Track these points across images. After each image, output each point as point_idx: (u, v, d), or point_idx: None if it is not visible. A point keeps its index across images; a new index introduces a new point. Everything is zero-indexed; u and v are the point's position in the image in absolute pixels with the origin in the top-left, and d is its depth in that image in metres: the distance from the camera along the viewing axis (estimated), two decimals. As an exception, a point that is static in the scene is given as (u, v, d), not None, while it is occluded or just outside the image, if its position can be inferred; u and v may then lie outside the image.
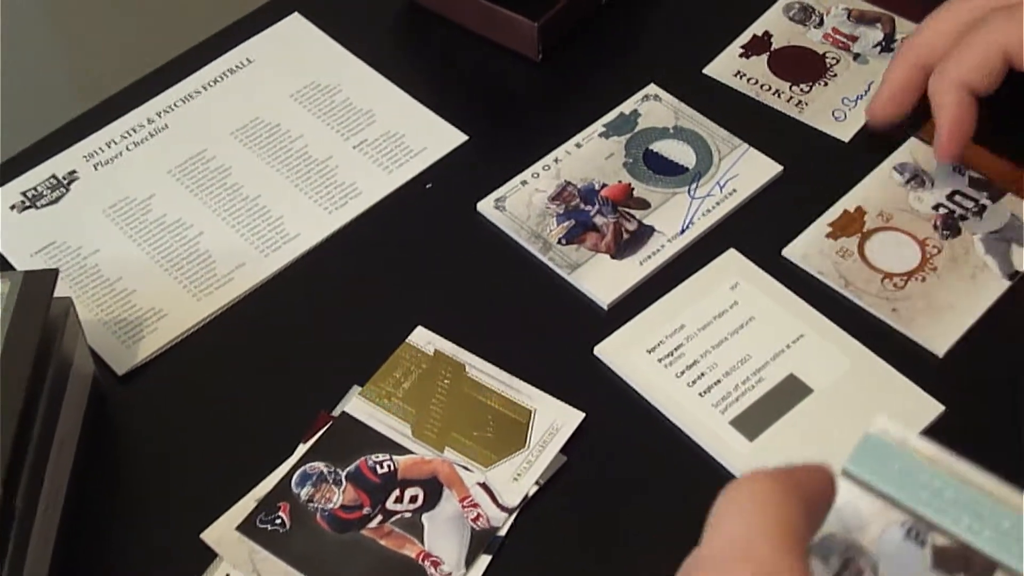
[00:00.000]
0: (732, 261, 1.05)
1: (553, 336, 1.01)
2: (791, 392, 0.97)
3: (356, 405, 0.96)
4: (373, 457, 0.93)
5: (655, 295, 1.03)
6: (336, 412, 0.96)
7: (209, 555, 0.91)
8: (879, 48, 1.21)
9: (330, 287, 1.05)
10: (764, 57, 1.21)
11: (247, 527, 0.91)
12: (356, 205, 1.09)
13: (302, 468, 0.93)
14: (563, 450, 0.94)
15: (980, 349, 0.99)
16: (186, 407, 0.98)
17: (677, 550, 0.92)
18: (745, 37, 1.23)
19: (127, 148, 1.15)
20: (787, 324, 1.01)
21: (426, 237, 1.08)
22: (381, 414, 0.95)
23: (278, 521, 0.91)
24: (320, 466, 0.93)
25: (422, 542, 0.90)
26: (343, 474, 0.93)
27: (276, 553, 0.90)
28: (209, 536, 0.91)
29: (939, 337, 1.00)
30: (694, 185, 1.10)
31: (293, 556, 0.89)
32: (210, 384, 1.00)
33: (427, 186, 1.11)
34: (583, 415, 0.95)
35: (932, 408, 0.96)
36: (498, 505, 0.91)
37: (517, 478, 0.92)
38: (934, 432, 0.95)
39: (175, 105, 1.18)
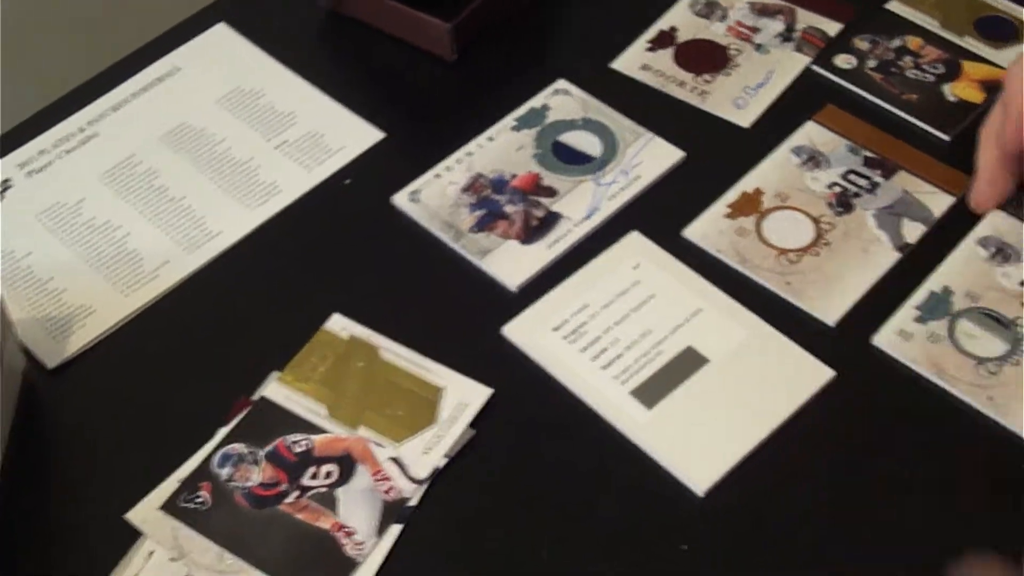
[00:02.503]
0: (635, 243, 1.10)
1: (464, 319, 1.06)
2: (689, 363, 1.02)
3: (274, 389, 1.01)
4: (290, 437, 0.98)
5: (561, 277, 1.08)
6: (256, 397, 1.01)
7: (135, 534, 0.95)
8: (780, 38, 1.27)
9: (251, 280, 1.10)
10: (670, 51, 1.27)
11: (170, 506, 0.95)
12: (277, 202, 1.14)
13: (223, 450, 0.98)
14: (472, 424, 0.98)
15: (870, 317, 1.04)
16: (113, 397, 1.03)
17: (581, 515, 0.97)
18: (652, 32, 1.28)
19: (59, 156, 1.20)
20: (686, 300, 1.06)
21: (344, 230, 1.13)
22: (298, 397, 1.00)
23: (200, 500, 0.96)
24: (240, 447, 0.98)
25: (336, 514, 0.94)
26: (262, 454, 0.97)
27: (198, 530, 0.94)
28: (134, 516, 0.96)
29: (830, 307, 1.05)
30: (600, 173, 1.15)
31: (214, 532, 0.94)
32: (136, 375, 1.04)
33: (346, 182, 1.16)
34: (491, 391, 1.00)
35: (823, 374, 1.01)
36: (409, 478, 0.96)
37: (427, 452, 0.97)
38: (825, 395, 1.00)
39: (105, 113, 1.23)
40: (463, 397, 0.99)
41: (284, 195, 1.14)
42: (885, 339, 1.03)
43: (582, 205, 1.12)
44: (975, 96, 1.20)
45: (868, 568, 0.91)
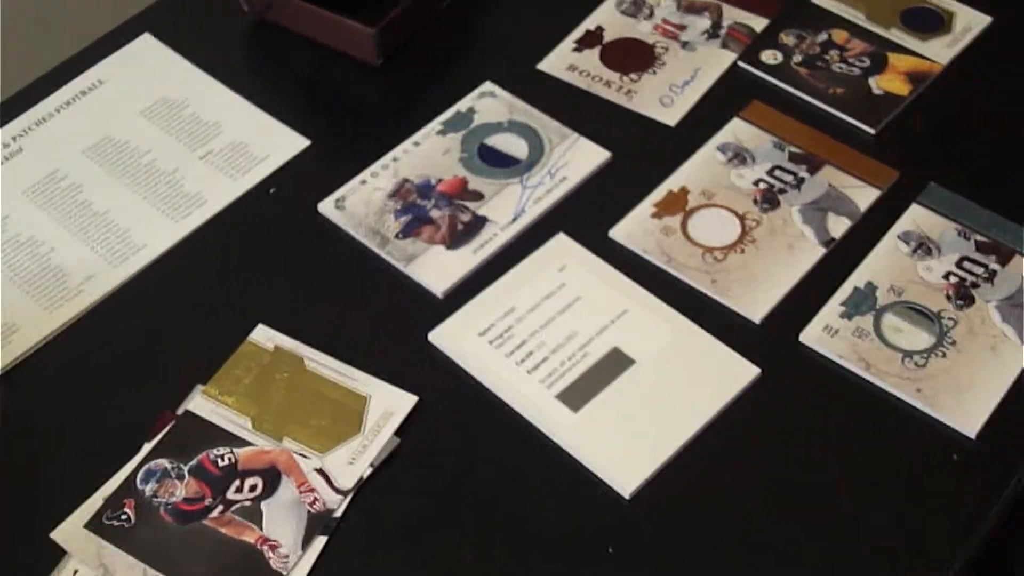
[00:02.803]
0: (561, 245, 1.10)
1: (390, 326, 1.06)
2: (614, 364, 1.02)
3: (199, 403, 1.00)
4: (215, 451, 0.98)
5: (487, 281, 1.08)
6: (180, 411, 1.00)
7: (61, 553, 0.94)
8: (706, 36, 1.27)
9: (176, 293, 1.09)
10: (596, 50, 1.26)
11: (94, 524, 0.95)
12: (201, 213, 1.13)
13: (146, 465, 0.97)
14: (398, 433, 0.98)
15: (796, 314, 1.04)
16: (38, 415, 1.02)
17: (507, 521, 0.97)
18: (578, 32, 1.28)
19: (-18, 173, 1.18)
20: (612, 301, 1.06)
21: (269, 240, 1.12)
22: (223, 410, 1.00)
23: (124, 517, 0.95)
24: (164, 462, 0.97)
25: (261, 528, 0.94)
26: (186, 469, 0.97)
27: (122, 547, 0.94)
28: (59, 535, 0.95)
29: (756, 305, 1.05)
30: (526, 175, 1.15)
31: (138, 549, 0.94)
32: (61, 391, 1.04)
33: (271, 191, 1.16)
34: (416, 399, 1.00)
35: (748, 372, 1.01)
36: (334, 488, 0.95)
37: (352, 462, 0.97)
38: (752, 393, 0.99)
39: (29, 129, 1.22)
40: (389, 405, 0.99)
41: (209, 205, 1.13)
42: (811, 335, 1.03)
43: (508, 208, 1.12)
44: (901, 88, 1.20)
45: (796, 566, 0.90)
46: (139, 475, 0.97)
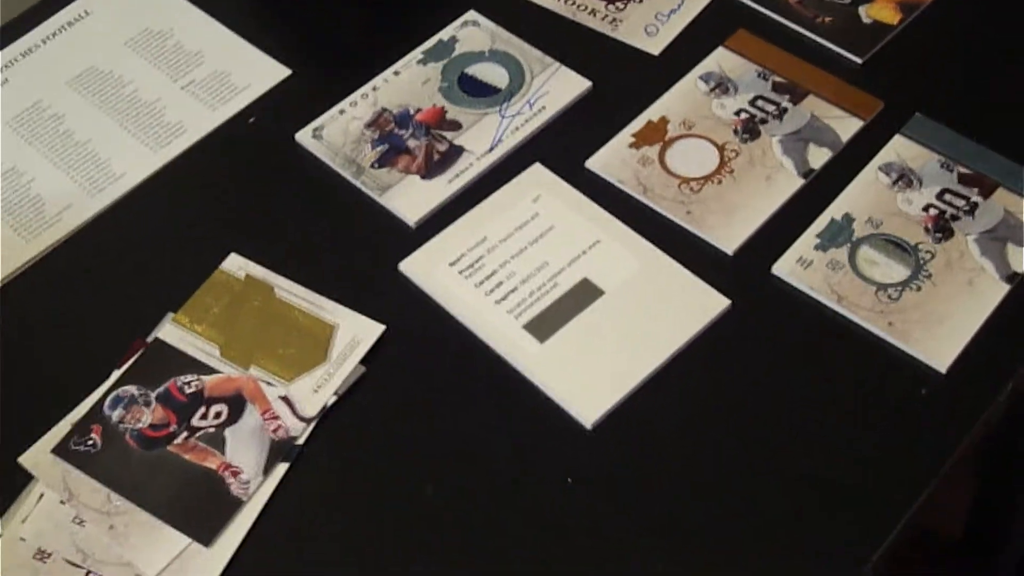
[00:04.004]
0: (536, 175, 1.09)
1: (362, 256, 1.05)
2: (583, 295, 1.01)
3: (169, 331, 1.01)
4: (182, 378, 0.98)
5: (461, 212, 1.07)
6: (151, 338, 1.00)
7: (28, 478, 0.95)
8: (696, -37, 1.24)
9: (152, 222, 1.09)
10: (583, -22, 1.24)
11: (61, 449, 0.95)
12: (180, 143, 1.14)
13: (115, 392, 0.98)
14: (365, 362, 0.98)
15: (770, 246, 1.03)
16: (11, 342, 1.03)
17: (468, 452, 0.97)
18: (566, -40, 1.26)
19: (-33, 104, 1.19)
20: (584, 231, 1.05)
21: (247, 170, 1.12)
22: (192, 338, 1.00)
23: (90, 443, 0.96)
24: (132, 389, 0.98)
25: (224, 454, 0.94)
26: (153, 395, 0.97)
27: (88, 472, 0.95)
28: (26, 460, 0.96)
29: (730, 236, 1.04)
30: (505, 105, 1.14)
31: (104, 474, 0.94)
32: (35, 319, 1.05)
33: (250, 120, 1.15)
34: (383, 328, 1.00)
35: (718, 303, 1.00)
36: (297, 416, 0.96)
37: (317, 390, 0.97)
38: (721, 325, 0.99)
39: (15, 60, 1.22)
40: (356, 334, 0.99)
41: (188, 135, 1.14)
42: (784, 267, 1.02)
43: (486, 138, 1.11)
44: (891, 17, 1.19)
45: (760, 499, 0.90)
46: (107, 401, 0.97)
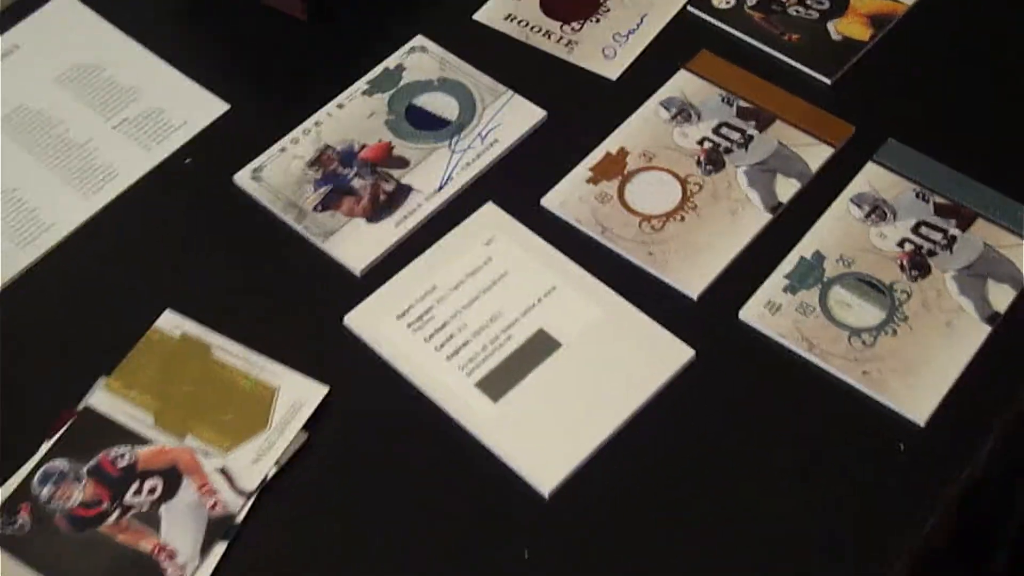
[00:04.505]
0: (489, 215, 1.03)
1: (304, 309, 0.99)
2: (539, 348, 0.95)
3: (100, 398, 0.95)
4: (114, 450, 0.92)
5: (410, 257, 1.01)
6: (82, 406, 0.94)
7: (-49, 563, 0.89)
8: (655, -22, 1.18)
9: (83, 275, 1.03)
10: (537, -3, 1.18)
11: (-14, 532, 0.89)
12: (113, 188, 1.07)
13: (44, 467, 0.92)
14: (307, 426, 0.92)
15: (737, 288, 0.98)
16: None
17: (420, 521, 0.91)
18: (519, -22, 1.20)
19: None
20: (540, 277, 0.99)
21: (182, 215, 1.06)
22: (125, 404, 0.94)
23: (19, 524, 0.90)
24: (61, 464, 0.92)
25: (159, 534, 0.88)
26: (84, 470, 0.91)
27: (17, 556, 0.89)
28: (-50, 544, 0.89)
29: (694, 279, 0.99)
30: (456, 138, 1.08)
31: (33, 558, 0.89)
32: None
33: (186, 161, 1.09)
34: (326, 389, 0.93)
35: (683, 354, 0.94)
36: (236, 490, 0.90)
37: (257, 460, 0.91)
38: (686, 377, 0.93)
39: (-59, 100, 1.15)
40: (298, 397, 0.93)
41: (121, 179, 1.07)
42: (752, 312, 0.96)
43: (435, 175, 1.05)
44: (862, 33, 1.12)
45: (732, 562, 0.85)
46: (36, 477, 0.91)
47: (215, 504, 0.89)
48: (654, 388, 0.93)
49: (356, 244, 1.01)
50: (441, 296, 0.98)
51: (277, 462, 0.91)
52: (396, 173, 1.05)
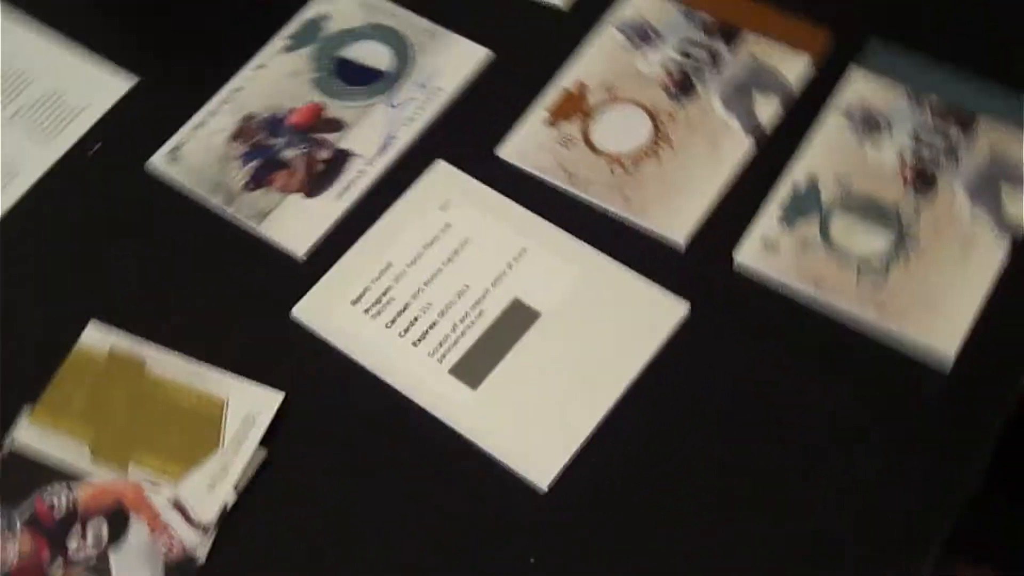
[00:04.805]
0: (441, 175, 0.91)
1: (246, 304, 0.88)
2: (516, 321, 0.84)
3: (27, 433, 0.83)
4: (50, 492, 0.81)
5: (358, 233, 0.89)
6: (6, 444, 0.82)
7: None
8: None
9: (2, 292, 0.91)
10: (464, -79, 1.05)
11: (-88, 604, 0.78)
12: (15, 189, 0.96)
13: (-29, 522, 0.80)
14: (264, 442, 0.80)
15: (728, 228, 0.87)
16: None
17: (405, 534, 0.80)
18: (441, -99, 1.07)
19: None
20: (507, 240, 0.88)
21: (95, 211, 0.94)
22: (56, 437, 0.83)
23: (-52, 590, 0.78)
24: (-10, 515, 0.80)
25: (110, 587, 0.77)
26: (18, 520, 0.80)
27: (-50, 628, 0.77)
28: None
29: (678, 223, 0.88)
30: (393, 91, 0.95)
31: (-31, 628, 0.77)
32: None
33: (94, 149, 0.96)
34: (281, 396, 0.82)
35: (676, 309, 0.83)
36: (193, 524, 0.78)
37: (213, 487, 0.79)
38: (683, 336, 0.82)
39: None
40: (251, 408, 0.81)
41: (22, 178, 0.95)
42: (748, 253, 0.85)
43: (375, 136, 0.93)
44: (826, -76, 1.00)
45: (755, 544, 0.75)
46: (-38, 535, 0.79)
47: (171, 544, 0.77)
48: (649, 352, 0.82)
49: (296, 224, 0.89)
50: (398, 273, 0.86)
51: (235, 487, 0.79)
52: (331, 138, 0.93)
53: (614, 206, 0.88)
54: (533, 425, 0.80)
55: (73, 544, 0.79)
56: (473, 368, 0.82)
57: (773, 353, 0.82)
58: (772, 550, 0.75)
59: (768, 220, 0.86)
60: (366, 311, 0.85)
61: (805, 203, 0.87)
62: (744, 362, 0.82)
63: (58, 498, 0.81)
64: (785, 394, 0.80)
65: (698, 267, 0.86)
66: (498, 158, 0.92)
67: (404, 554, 0.78)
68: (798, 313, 0.83)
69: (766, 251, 0.85)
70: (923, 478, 0.76)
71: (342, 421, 0.82)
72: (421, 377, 0.82)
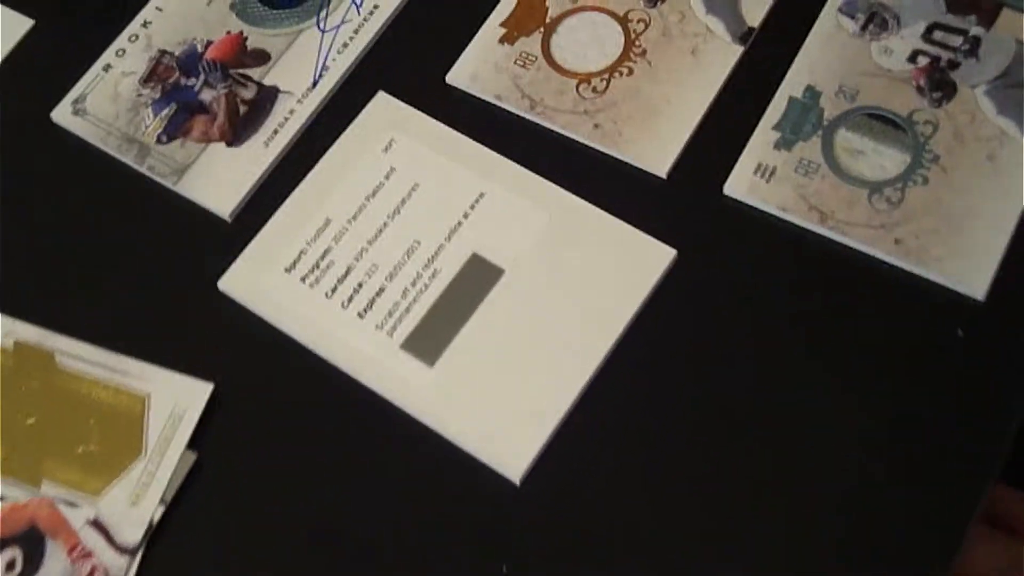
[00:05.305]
0: (382, 110, 0.79)
1: (165, 279, 0.76)
2: (476, 280, 0.72)
3: (-76, 447, 0.71)
4: (-48, 517, 0.69)
5: (290, 186, 0.77)
6: (-100, 462, 0.71)
7: None
8: None
9: None
10: None
11: None
12: (-102, 155, 0.81)
13: None
14: (192, 443, 0.69)
15: (716, 155, 0.74)
16: None
17: (357, 542, 0.69)
18: None
19: None
20: (462, 183, 0.75)
21: (-8, 177, 0.81)
22: (-44, 452, 0.71)
23: None
24: None
25: (27, 624, 0.66)
26: (-82, 552, 0.68)
27: None
28: None
29: (658, 152, 0.75)
30: (323, 13, 0.82)
31: None
32: None
33: (-12, 105, 0.83)
34: (211, 386, 0.70)
35: (662, 255, 0.72)
36: (116, 547, 0.68)
37: (136, 501, 0.68)
38: (669, 287, 0.70)
39: None
40: (176, 403, 0.70)
41: (-93, 143, 0.81)
42: (739, 184, 0.73)
43: (305, 68, 0.80)
44: None
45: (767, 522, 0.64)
46: None
47: (92, 571, 0.66)
48: (633, 308, 0.70)
49: (219, 179, 0.77)
50: (338, 232, 0.74)
51: (162, 500, 0.68)
52: (255, 73, 0.80)
53: (583, 136, 0.76)
54: (501, 405, 0.69)
55: (-19, 577, 0.68)
56: (428, 341, 0.71)
57: (775, 297, 0.70)
58: (804, 513, 0.63)
59: (762, 141, 0.75)
60: (303, 279, 0.73)
61: (804, 119, 0.75)
62: (742, 311, 0.70)
63: (-38, 523, 0.69)
64: (790, 341, 0.68)
65: (684, 204, 0.73)
66: (448, 86, 0.79)
67: (358, 564, 0.67)
68: (801, 250, 0.71)
69: (761, 179, 0.73)
70: (964, 415, 0.64)
71: (281, 411, 0.71)
72: (369, 354, 0.71)
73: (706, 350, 0.70)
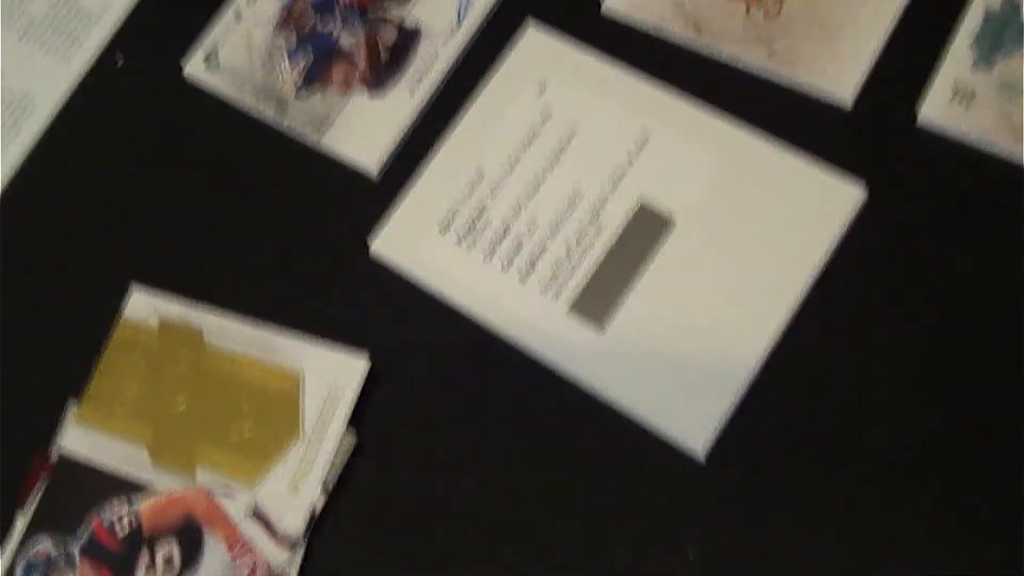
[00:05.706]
0: (534, 47, 0.72)
1: (313, 245, 0.71)
2: (645, 232, 0.66)
3: (75, 436, 0.68)
4: (108, 510, 0.66)
5: (439, 136, 0.71)
6: (53, 452, 0.68)
7: None
8: None
9: (13, 260, 0.75)
10: None
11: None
12: (32, 125, 0.78)
13: (25, 556, 0.66)
14: (351, 422, 0.64)
15: (905, 75, 0.67)
16: None
17: (530, 527, 0.64)
18: None
19: None
20: (624, 124, 0.69)
21: (125, 141, 0.77)
22: (107, 440, 0.68)
23: (7, 639, 0.65)
24: (45, 545, 0.67)
25: (189, 622, 0.63)
26: (76, 548, 0.65)
27: None
28: None
29: (842, 76, 0.68)
30: (464, -58, 0.76)
31: None
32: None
33: (118, 63, 0.79)
34: (366, 362, 0.65)
35: (849, 194, 0.64)
36: (278, 539, 0.63)
37: (296, 489, 0.64)
38: (859, 233, 0.63)
39: None
40: (332, 380, 0.66)
41: (40, 109, 0.78)
42: (935, 110, 0.65)
43: (447, 5, 0.73)
44: None
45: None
46: (18, 572, 0.65)
47: (254, 566, 0.62)
48: (818, 259, 0.63)
49: (363, 131, 0.72)
50: (494, 184, 0.68)
51: (324, 488, 0.63)
52: (395, 14, 0.74)
53: (757, 63, 0.69)
54: (679, 371, 0.63)
55: (141, 573, 0.64)
56: (597, 303, 0.65)
57: (980, 237, 0.62)
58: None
59: (957, 61, 0.66)
60: (460, 240, 0.68)
61: (1006, 31, 0.66)
62: (943, 254, 0.62)
63: (119, 516, 0.66)
64: (1002, 291, 0.60)
65: (873, 134, 0.65)
66: (604, 16, 0.71)
67: (534, 547, 0.62)
68: (1007, 182, 0.62)
69: (959, 105, 0.64)
70: None
71: (441, 385, 0.66)
72: (534, 321, 0.65)
73: (903, 303, 0.62)
